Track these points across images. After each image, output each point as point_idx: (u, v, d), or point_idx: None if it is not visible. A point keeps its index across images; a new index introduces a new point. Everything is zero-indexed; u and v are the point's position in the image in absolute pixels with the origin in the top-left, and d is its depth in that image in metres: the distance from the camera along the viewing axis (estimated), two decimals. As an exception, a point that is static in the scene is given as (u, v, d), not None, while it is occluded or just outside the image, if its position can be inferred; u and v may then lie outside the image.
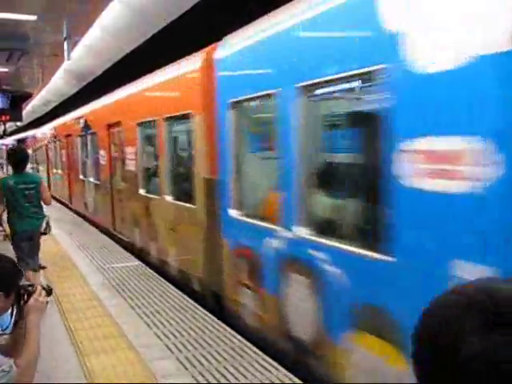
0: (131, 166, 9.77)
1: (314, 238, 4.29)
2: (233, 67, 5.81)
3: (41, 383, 2.87)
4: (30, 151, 22.80)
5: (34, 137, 26.20)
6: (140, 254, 9.41)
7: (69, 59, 12.59)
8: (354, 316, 3.76)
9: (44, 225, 6.88)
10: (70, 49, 12.09)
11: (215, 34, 6.36)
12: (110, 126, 11.23)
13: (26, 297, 2.67)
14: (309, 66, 4.28)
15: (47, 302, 2.85)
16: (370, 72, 3.56)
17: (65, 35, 11.39)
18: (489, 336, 0.74)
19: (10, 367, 2.43)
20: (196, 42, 6.97)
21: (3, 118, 14.58)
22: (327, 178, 4.65)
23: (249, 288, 5.45)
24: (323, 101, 4.79)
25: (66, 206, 17.96)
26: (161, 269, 8.30)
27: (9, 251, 9.57)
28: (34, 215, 6.81)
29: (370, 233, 3.97)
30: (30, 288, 2.71)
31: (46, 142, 22.21)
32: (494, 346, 0.73)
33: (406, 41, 3.17)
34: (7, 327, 2.70)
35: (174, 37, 10.47)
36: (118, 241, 10.81)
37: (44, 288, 2.79)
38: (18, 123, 27.70)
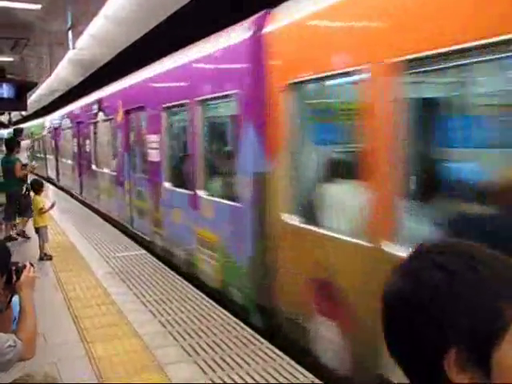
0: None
1: None
2: None
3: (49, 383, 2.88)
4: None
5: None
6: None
7: (73, 48, 12.57)
8: None
9: (24, 189, 10.40)
10: (75, 38, 12.06)
11: (222, 23, 6.32)
12: None
13: (17, 274, 2.72)
14: None
15: (36, 277, 2.89)
16: None
17: (69, 24, 11.35)
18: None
19: (14, 342, 2.47)
20: (202, 31, 6.93)
21: (8, 107, 14.59)
22: None
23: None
24: None
25: None
26: None
27: (19, 249, 9.64)
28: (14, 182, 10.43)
29: None
30: (19, 266, 2.78)
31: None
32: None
33: None
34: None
35: (179, 25, 10.43)
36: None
37: (31, 264, 2.86)
38: (23, 112, 27.70)
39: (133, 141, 10.61)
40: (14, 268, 2.76)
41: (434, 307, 0.85)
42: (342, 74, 4.28)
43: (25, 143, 13.80)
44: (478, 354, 0.83)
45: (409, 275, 0.90)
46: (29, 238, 9.91)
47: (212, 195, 6.74)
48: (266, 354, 4.69)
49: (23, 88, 14.64)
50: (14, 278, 2.73)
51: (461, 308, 0.84)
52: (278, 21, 5.24)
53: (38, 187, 8.99)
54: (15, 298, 2.76)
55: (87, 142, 14.55)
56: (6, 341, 2.45)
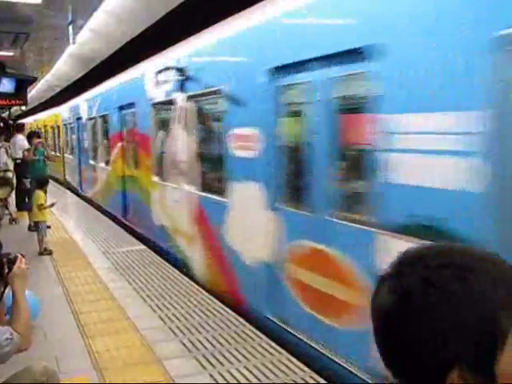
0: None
1: None
2: None
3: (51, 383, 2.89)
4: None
5: None
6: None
7: (74, 43, 12.55)
8: None
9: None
10: (75, 33, 12.05)
11: (221, 17, 6.31)
12: None
13: (9, 265, 2.72)
14: None
15: (27, 268, 2.85)
16: None
17: (70, 19, 11.34)
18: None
19: (11, 334, 2.48)
20: (202, 26, 6.93)
21: (8, 102, 14.58)
22: None
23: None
24: None
25: None
26: None
27: (13, 235, 9.65)
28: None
29: None
30: (10, 257, 2.76)
31: None
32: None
33: None
34: None
35: (179, 21, 10.41)
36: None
37: (23, 255, 2.83)
38: (23, 107, 27.66)
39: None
40: (5, 259, 2.73)
41: (428, 326, 0.82)
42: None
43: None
44: (481, 365, 0.81)
45: (397, 293, 0.86)
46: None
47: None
48: (264, 349, 4.71)
49: (23, 83, 14.64)
50: (6, 269, 2.71)
51: (455, 323, 0.81)
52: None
53: (42, 183, 9.05)
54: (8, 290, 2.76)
55: None
56: (3, 333, 2.47)
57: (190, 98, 7.04)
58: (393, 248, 3.48)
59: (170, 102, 7.66)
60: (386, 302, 0.87)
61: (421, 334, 0.82)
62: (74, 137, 17.64)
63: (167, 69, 7.69)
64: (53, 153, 21.65)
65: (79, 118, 16.26)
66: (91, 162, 14.91)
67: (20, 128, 13.48)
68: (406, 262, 0.89)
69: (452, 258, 0.86)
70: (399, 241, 3.48)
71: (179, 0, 9.29)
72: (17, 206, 12.48)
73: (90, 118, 14.42)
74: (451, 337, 0.81)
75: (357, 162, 4.37)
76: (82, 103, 15.71)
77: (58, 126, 21.71)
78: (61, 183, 20.35)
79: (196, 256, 7.10)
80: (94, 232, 10.31)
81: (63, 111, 20.18)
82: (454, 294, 0.82)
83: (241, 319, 5.44)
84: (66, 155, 19.97)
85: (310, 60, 4.42)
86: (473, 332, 0.80)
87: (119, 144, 11.30)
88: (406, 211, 3.51)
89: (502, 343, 0.81)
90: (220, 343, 4.87)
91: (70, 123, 18.70)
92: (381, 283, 0.91)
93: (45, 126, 25.83)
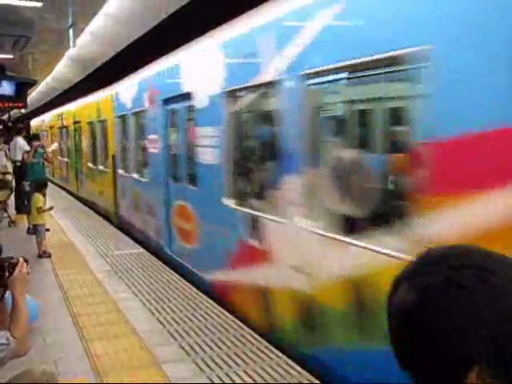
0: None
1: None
2: None
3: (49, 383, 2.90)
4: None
5: None
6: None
7: (74, 46, 12.58)
8: None
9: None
10: (76, 36, 12.07)
11: (219, 22, 6.34)
12: None
13: (9, 269, 2.70)
14: None
15: (28, 273, 2.83)
16: None
17: (70, 22, 11.37)
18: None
19: (7, 339, 2.47)
20: (201, 30, 6.96)
21: (8, 104, 14.60)
22: None
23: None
24: None
25: None
26: None
27: (14, 237, 9.65)
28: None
29: None
30: (12, 260, 2.75)
31: None
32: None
33: None
34: None
35: (180, 24, 10.45)
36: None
37: (25, 259, 2.81)
38: (23, 110, 27.65)
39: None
40: (6, 264, 2.71)
41: (447, 324, 0.82)
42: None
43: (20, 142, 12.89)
44: (501, 365, 0.81)
45: (417, 290, 0.86)
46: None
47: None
48: (263, 352, 4.71)
49: (23, 85, 14.66)
50: (7, 273, 2.69)
51: (475, 319, 0.81)
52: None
53: (40, 186, 9.08)
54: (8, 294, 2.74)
55: None
56: None
57: None
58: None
59: None
60: (406, 299, 0.87)
61: (441, 328, 0.82)
62: (153, 140, 9.00)
63: None
64: (91, 165, 14.95)
65: (172, 100, 8.06)
66: (232, 204, 6.03)
67: (20, 130, 13.50)
68: (427, 262, 0.90)
69: (474, 259, 0.87)
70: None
71: (180, 3, 9.32)
72: (16, 208, 12.49)
73: (235, 91, 5.98)
74: (471, 333, 0.81)
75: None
76: (188, 62, 7.43)
77: (104, 121, 13.02)
78: (105, 215, 13.10)
79: None
80: (93, 235, 10.32)
81: (120, 93, 11.38)
82: (474, 290, 0.82)
83: (239, 323, 5.45)
84: (120, 172, 11.58)
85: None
86: (493, 329, 0.80)
87: None
88: None
89: None
90: (218, 347, 4.87)
91: (135, 113, 10.21)
92: (398, 283, 0.91)
93: (75, 123, 17.32)
